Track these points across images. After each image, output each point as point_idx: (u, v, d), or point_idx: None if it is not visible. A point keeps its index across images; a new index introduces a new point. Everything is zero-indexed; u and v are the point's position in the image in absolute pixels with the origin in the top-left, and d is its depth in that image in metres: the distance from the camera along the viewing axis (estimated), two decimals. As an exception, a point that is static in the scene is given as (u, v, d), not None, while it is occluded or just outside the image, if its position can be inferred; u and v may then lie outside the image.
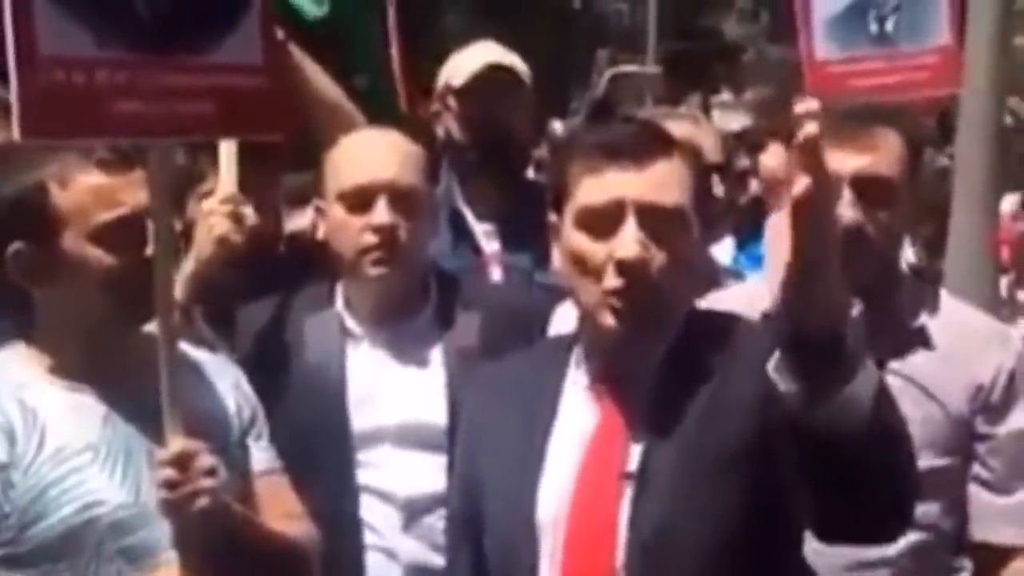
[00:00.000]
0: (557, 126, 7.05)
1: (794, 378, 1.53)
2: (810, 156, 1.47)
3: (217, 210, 2.44)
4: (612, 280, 1.73)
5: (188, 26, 1.85)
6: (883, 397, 1.57)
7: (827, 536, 1.69)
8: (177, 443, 1.87)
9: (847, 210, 2.14)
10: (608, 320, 1.74)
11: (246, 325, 2.50)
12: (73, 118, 1.78)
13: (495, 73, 2.97)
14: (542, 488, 1.77)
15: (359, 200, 2.38)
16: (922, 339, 2.22)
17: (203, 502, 1.87)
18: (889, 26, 2.84)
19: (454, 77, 3.03)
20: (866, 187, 2.16)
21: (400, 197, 2.37)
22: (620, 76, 7.23)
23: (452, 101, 3.03)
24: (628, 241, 1.72)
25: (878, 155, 2.17)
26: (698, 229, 1.79)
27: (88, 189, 1.95)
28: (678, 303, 1.79)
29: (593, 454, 1.77)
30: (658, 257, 1.73)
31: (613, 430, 1.77)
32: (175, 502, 1.87)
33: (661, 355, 1.78)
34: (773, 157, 3.61)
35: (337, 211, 2.40)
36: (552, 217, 1.82)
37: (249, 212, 2.49)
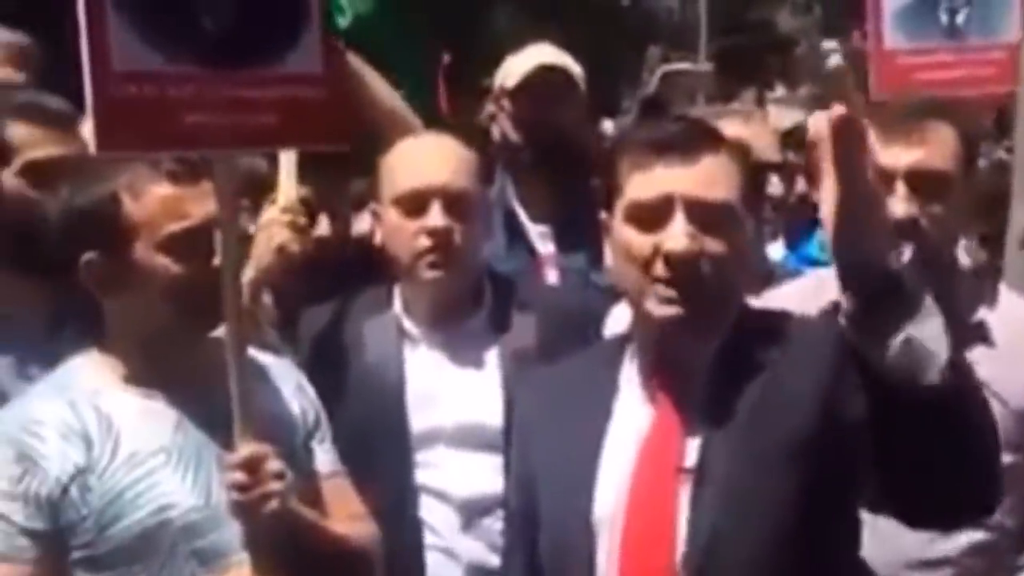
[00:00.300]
0: (608, 125, 7.05)
1: (857, 319, 1.54)
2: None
3: (276, 219, 2.50)
4: (660, 270, 1.75)
5: (252, 39, 1.92)
6: (955, 351, 1.58)
7: (912, 518, 1.69)
8: (247, 447, 1.93)
9: (901, 204, 2.17)
10: (657, 309, 1.76)
11: (307, 328, 2.56)
12: (145, 131, 1.85)
13: (547, 74, 3.01)
14: (599, 486, 1.79)
15: (413, 204, 2.42)
16: (981, 334, 2.23)
17: (272, 504, 1.92)
18: (960, 19, 2.83)
19: (507, 78, 3.08)
20: (920, 181, 2.18)
21: (454, 201, 2.41)
22: (671, 74, 7.22)
23: (506, 102, 3.07)
24: (677, 234, 1.75)
25: (932, 149, 2.19)
26: (749, 226, 1.81)
27: (158, 200, 2.01)
28: (728, 298, 1.81)
29: (649, 451, 1.79)
30: (707, 251, 1.76)
31: (669, 426, 1.79)
32: (245, 505, 1.92)
33: (714, 351, 1.80)
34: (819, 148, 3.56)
35: (392, 215, 2.45)
36: (603, 215, 1.85)
37: (321, 221, 2.54)
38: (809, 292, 2.29)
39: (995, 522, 2.15)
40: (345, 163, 2.64)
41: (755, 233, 1.87)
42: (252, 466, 1.92)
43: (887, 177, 2.19)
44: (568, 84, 3.04)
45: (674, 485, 1.75)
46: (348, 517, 2.16)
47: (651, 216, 1.77)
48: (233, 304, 1.97)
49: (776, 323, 1.83)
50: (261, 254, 2.49)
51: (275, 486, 1.92)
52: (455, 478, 2.40)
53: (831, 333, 1.71)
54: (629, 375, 1.85)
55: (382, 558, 2.19)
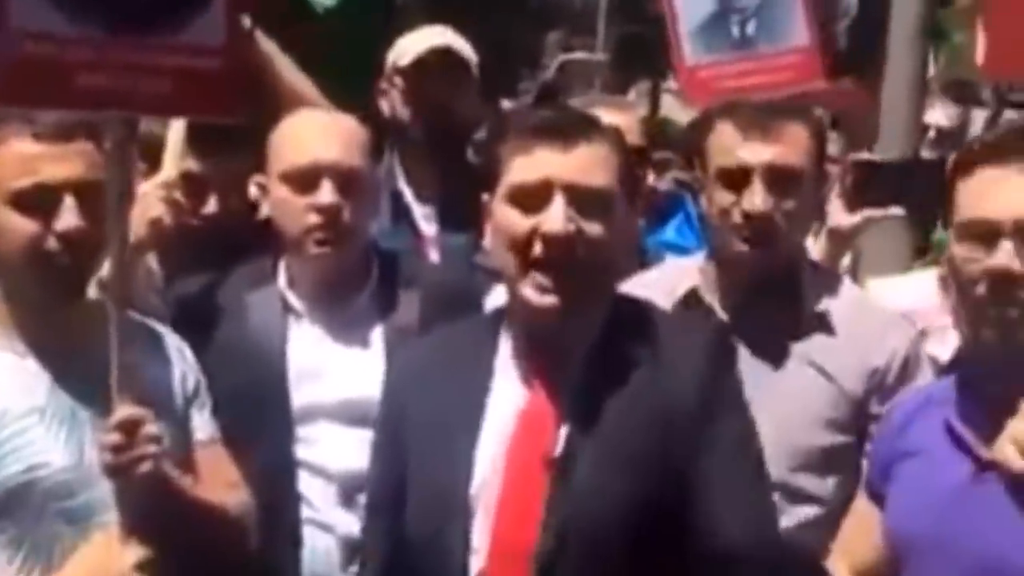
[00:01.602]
0: (507, 106, 7.11)
1: None
2: None
3: (151, 193, 2.50)
4: (538, 251, 1.81)
5: (155, 7, 1.94)
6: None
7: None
8: (124, 409, 1.95)
9: (758, 198, 2.29)
10: (533, 297, 1.83)
11: (183, 294, 2.56)
12: (37, 88, 1.87)
13: (440, 56, 3.05)
14: (477, 463, 1.84)
15: (303, 180, 2.44)
16: (823, 323, 2.36)
17: (146, 467, 1.95)
18: (750, 29, 3.05)
19: (400, 57, 3.11)
20: (775, 177, 2.31)
21: (344, 178, 2.44)
22: (569, 62, 7.33)
23: (398, 80, 3.10)
24: (555, 216, 1.81)
25: (787, 146, 2.32)
26: (624, 211, 1.89)
27: (13, 155, 2.02)
28: (603, 281, 1.88)
29: (521, 433, 1.84)
30: (584, 234, 1.82)
31: (541, 412, 1.85)
32: (119, 466, 1.95)
33: (588, 343, 1.86)
34: None
35: (281, 190, 2.47)
36: (485, 196, 1.91)
37: (210, 199, 2.52)
38: (666, 282, 2.42)
39: (824, 497, 2.30)
40: (242, 139, 2.66)
41: (629, 218, 1.94)
42: (128, 428, 1.95)
43: (744, 172, 2.31)
44: (459, 66, 3.08)
45: (542, 470, 1.81)
46: (223, 485, 2.20)
47: (531, 199, 1.83)
48: (118, 264, 1.99)
49: (650, 318, 1.91)
50: (136, 225, 2.47)
51: (149, 449, 1.95)
52: (334, 453, 2.44)
53: (704, 347, 1.83)
54: (504, 353, 1.91)
55: (255, 527, 2.23)
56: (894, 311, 2.50)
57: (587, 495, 1.78)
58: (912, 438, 1.96)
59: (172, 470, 2.05)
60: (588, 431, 1.81)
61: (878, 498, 2.02)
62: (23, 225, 2.01)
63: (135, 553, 1.97)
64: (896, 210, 2.82)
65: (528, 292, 1.83)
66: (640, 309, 1.94)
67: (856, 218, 2.78)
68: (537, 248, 1.82)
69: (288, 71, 2.86)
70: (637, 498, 1.78)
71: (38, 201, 2.01)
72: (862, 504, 2.08)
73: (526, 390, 1.87)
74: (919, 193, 2.86)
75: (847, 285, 2.51)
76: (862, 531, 2.05)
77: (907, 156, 3.84)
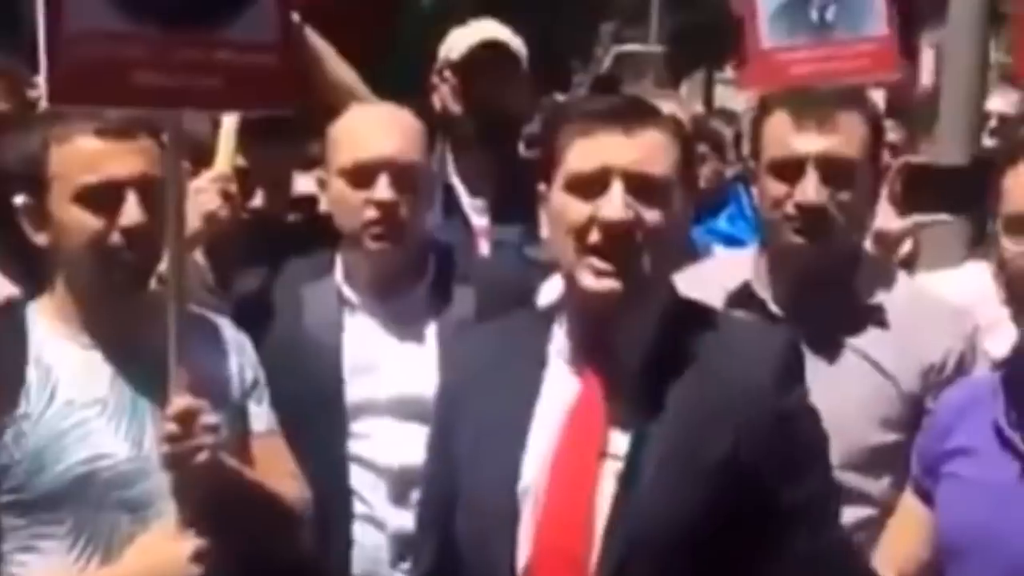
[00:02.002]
0: (560, 100, 7.10)
1: None
2: None
3: (205, 187, 2.53)
4: (595, 238, 1.79)
5: (206, 2, 1.96)
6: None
7: None
8: (181, 400, 1.99)
9: (811, 190, 2.26)
10: (591, 282, 1.80)
11: (243, 288, 2.59)
12: (94, 87, 1.91)
13: (490, 50, 3.06)
14: (526, 459, 1.82)
15: (361, 176, 2.46)
16: (878, 317, 2.33)
17: (203, 457, 1.98)
18: (829, 15, 3.01)
19: (451, 51, 3.12)
20: (830, 168, 2.28)
21: (401, 173, 2.45)
22: (623, 55, 7.30)
23: (448, 74, 3.11)
24: (613, 203, 1.79)
25: (841, 137, 2.29)
26: (682, 201, 1.86)
27: (78, 151, 2.05)
28: (660, 270, 1.85)
29: (573, 429, 1.82)
30: (642, 222, 1.80)
31: (594, 407, 1.82)
32: (177, 456, 1.98)
33: (647, 339, 1.83)
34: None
35: (339, 185, 2.49)
36: (541, 186, 1.90)
37: (257, 193, 2.54)
38: (719, 274, 2.40)
39: (880, 497, 2.26)
40: (287, 133, 2.68)
41: (687, 209, 1.89)
42: (186, 418, 1.98)
43: (798, 163, 2.28)
44: (510, 61, 3.09)
45: (595, 467, 1.79)
46: (280, 476, 2.22)
47: (589, 186, 1.81)
48: (177, 260, 2.02)
49: (710, 318, 1.89)
50: (191, 219, 2.49)
51: (207, 439, 1.98)
52: (387, 448, 2.45)
53: (779, 354, 1.81)
54: (558, 347, 1.88)
55: (310, 518, 2.25)
56: (950, 305, 2.46)
57: (654, 499, 1.76)
58: (960, 436, 1.93)
59: (230, 460, 2.08)
60: (652, 432, 1.78)
61: (925, 495, 2.00)
62: (88, 221, 2.05)
63: (193, 543, 2.00)
64: (944, 216, 2.78)
65: (585, 277, 1.81)
66: (698, 309, 1.92)
67: (904, 223, 2.74)
68: (594, 235, 1.80)
69: (336, 66, 2.88)
70: (705, 504, 1.75)
71: (103, 197, 2.05)
72: (909, 501, 2.05)
73: (578, 385, 1.86)
74: (977, 190, 2.82)
75: (903, 279, 2.47)
76: (909, 529, 2.03)
77: (965, 150, 3.79)
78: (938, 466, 1.96)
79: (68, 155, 2.04)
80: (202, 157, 2.59)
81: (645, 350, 1.84)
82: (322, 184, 2.58)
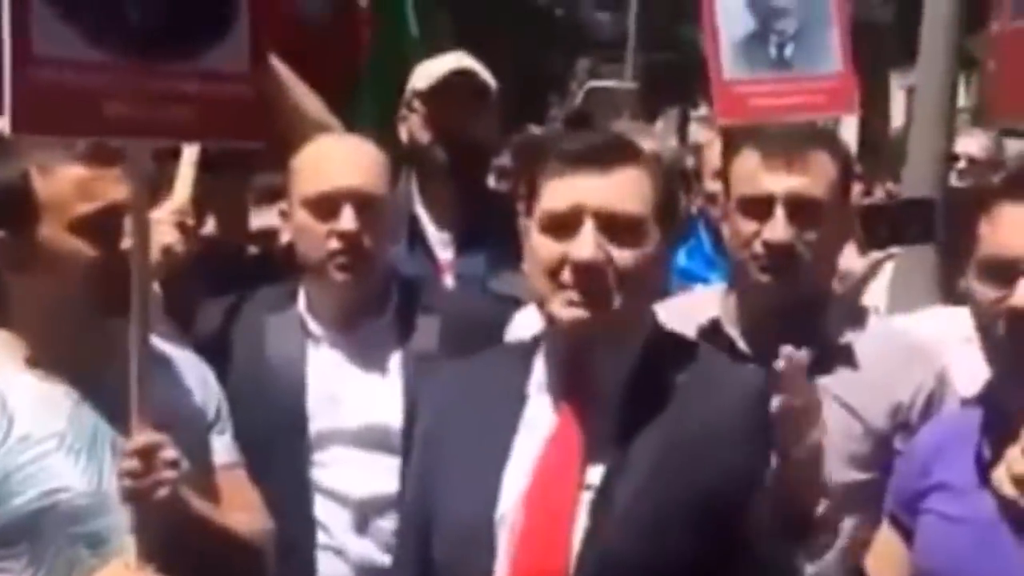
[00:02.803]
0: (536, 132, 7.12)
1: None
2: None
3: (164, 220, 2.52)
4: (567, 277, 1.81)
5: (178, 32, 1.95)
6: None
7: None
8: (143, 436, 1.96)
9: (779, 228, 2.27)
10: (562, 311, 1.81)
11: (206, 319, 2.58)
12: (61, 115, 1.88)
13: (459, 79, 3.06)
14: (503, 489, 1.82)
15: (324, 207, 2.45)
16: (847, 357, 2.33)
17: (163, 492, 1.95)
18: (788, 52, 3.07)
19: (419, 80, 3.12)
20: (798, 207, 2.28)
21: (365, 204, 2.45)
22: (597, 90, 7.32)
23: (417, 104, 3.11)
24: (584, 243, 1.80)
25: (810, 177, 2.30)
26: (660, 237, 1.86)
27: (70, 181, 2.03)
28: (634, 309, 1.85)
29: (549, 461, 1.82)
30: (615, 262, 1.81)
31: (570, 440, 1.83)
32: (137, 491, 1.95)
33: (625, 372, 1.84)
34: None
35: (302, 215, 2.48)
36: (523, 220, 1.91)
37: (208, 220, 2.52)
38: (689, 309, 2.40)
39: (850, 533, 2.23)
40: (243, 161, 2.66)
41: (665, 245, 1.89)
42: (146, 454, 1.95)
43: (766, 201, 2.29)
44: (479, 90, 3.09)
45: (572, 498, 1.79)
46: (243, 509, 2.20)
47: (562, 225, 1.82)
48: (141, 290, 2.00)
49: (687, 352, 1.90)
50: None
51: (167, 474, 1.96)
52: (351, 478, 2.44)
53: (758, 395, 1.83)
54: (538, 380, 1.89)
55: (274, 552, 2.23)
56: (920, 344, 2.47)
57: (627, 529, 1.76)
58: (940, 472, 1.93)
59: (190, 495, 2.05)
60: (628, 462, 1.79)
61: (905, 531, 2.00)
62: (84, 250, 2.02)
63: None
64: (895, 249, 2.80)
65: (558, 308, 1.82)
66: (682, 344, 1.93)
67: (864, 261, 2.76)
68: (566, 275, 1.81)
69: (303, 96, 2.88)
70: (677, 539, 1.76)
71: (100, 225, 2.02)
72: (886, 536, 2.05)
73: (557, 418, 1.86)
74: (951, 226, 2.86)
75: (873, 318, 2.47)
76: (887, 564, 2.02)
77: (933, 191, 3.84)
78: (917, 502, 1.96)
79: (60, 184, 2.01)
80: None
81: (624, 383, 1.84)
82: (284, 215, 2.57)
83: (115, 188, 2.03)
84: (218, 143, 2.36)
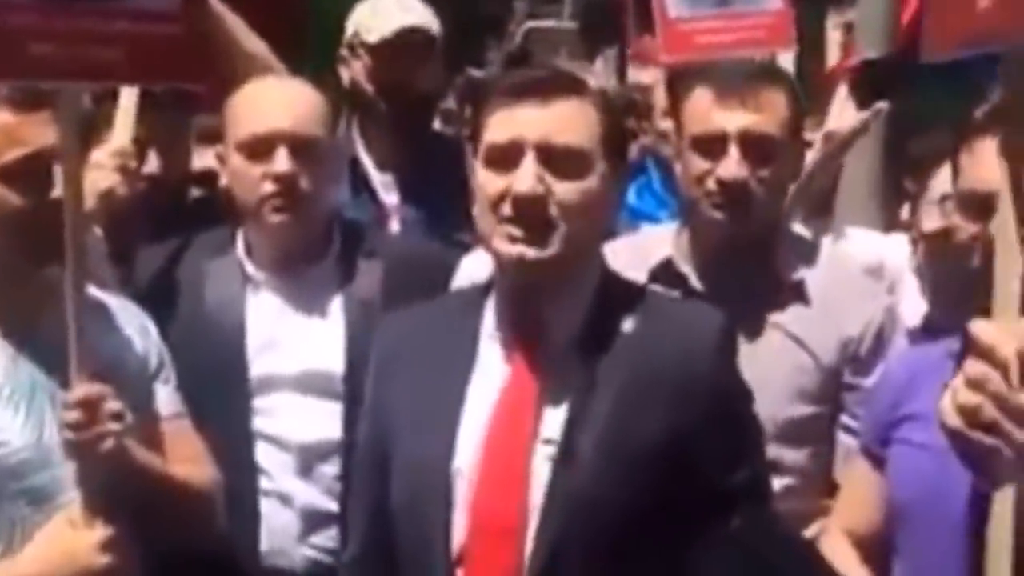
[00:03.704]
0: (476, 75, 7.04)
1: None
2: None
3: (104, 163, 2.46)
4: (506, 209, 1.78)
5: (104, -29, 1.88)
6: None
7: None
8: (84, 386, 1.91)
9: (732, 165, 2.27)
10: (504, 247, 1.78)
11: (144, 266, 2.53)
12: None
13: (409, 35, 3.01)
14: (459, 438, 1.81)
15: (259, 149, 2.40)
16: (798, 293, 2.35)
17: (108, 444, 1.91)
18: None
19: (368, 33, 3.06)
20: (751, 144, 2.28)
21: (300, 146, 2.40)
22: (536, 30, 7.25)
23: (363, 53, 3.06)
24: (524, 176, 1.77)
25: (764, 114, 2.29)
26: (604, 173, 1.82)
27: None
28: (579, 245, 1.81)
29: (504, 410, 1.81)
30: (555, 195, 1.78)
31: (523, 389, 1.81)
32: (80, 444, 1.91)
33: (578, 318, 1.82)
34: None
35: (237, 159, 2.43)
36: (471, 160, 1.87)
37: (151, 159, 2.49)
38: (640, 249, 2.39)
39: (800, 468, 2.29)
40: (185, 100, 2.60)
41: (612, 181, 1.85)
42: (88, 405, 1.91)
43: (720, 139, 2.29)
44: (427, 43, 3.05)
45: (528, 448, 1.78)
46: (188, 459, 2.16)
47: (504, 159, 1.79)
48: (75, 239, 1.94)
49: (645, 298, 1.88)
50: (89, 196, 2.41)
51: (111, 426, 1.92)
52: (293, 424, 2.42)
53: (715, 334, 1.81)
54: (489, 328, 1.87)
55: (222, 500, 2.20)
56: (869, 278, 2.49)
57: (589, 480, 1.75)
58: (911, 404, 1.95)
59: (134, 447, 2.01)
60: (586, 410, 1.77)
61: (876, 461, 2.02)
62: (11, 198, 1.96)
63: (100, 532, 1.93)
64: (881, 104, 2.83)
65: (501, 244, 1.79)
66: (630, 287, 1.91)
67: (851, 120, 2.80)
68: (507, 207, 1.78)
69: (241, 33, 2.80)
70: (641, 483, 1.75)
71: (28, 172, 1.96)
72: (860, 466, 2.07)
73: (509, 366, 1.83)
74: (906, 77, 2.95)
75: (825, 251, 2.49)
76: (860, 493, 2.05)
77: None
78: (888, 432, 1.98)
79: None
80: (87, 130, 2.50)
81: (576, 328, 1.82)
82: (220, 159, 2.52)
83: (42, 133, 1.97)
84: (148, 84, 2.31)
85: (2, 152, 1.96)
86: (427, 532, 1.80)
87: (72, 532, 1.94)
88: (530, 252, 1.77)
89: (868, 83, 2.87)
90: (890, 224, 3.43)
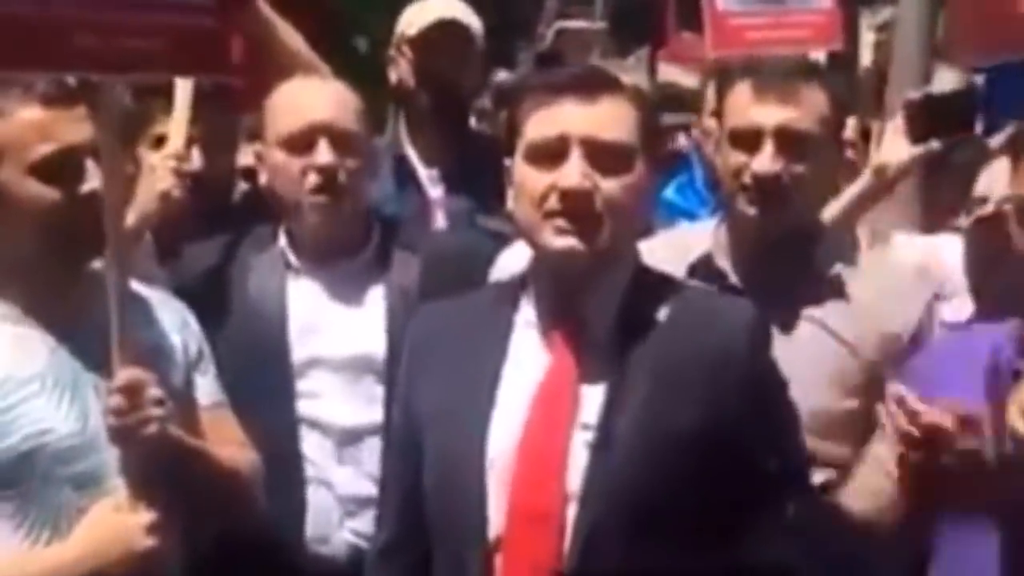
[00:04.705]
0: (503, 76, 7.06)
1: None
2: None
3: (162, 165, 2.51)
4: (554, 203, 1.79)
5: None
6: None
7: None
8: (126, 372, 1.93)
9: (766, 160, 2.27)
10: (553, 240, 1.79)
11: (192, 262, 2.56)
12: (26, 50, 1.82)
13: (446, 27, 3.10)
14: (493, 426, 1.81)
15: (300, 142, 2.44)
16: (837, 289, 2.33)
17: (151, 429, 1.93)
18: None
19: (409, 27, 3.16)
20: (787, 140, 2.28)
21: (339, 139, 2.44)
22: (566, 31, 7.25)
23: (406, 49, 3.15)
24: (571, 171, 1.78)
25: (801, 110, 2.29)
26: (644, 167, 1.84)
27: (28, 122, 1.98)
28: (622, 238, 1.84)
29: (544, 397, 1.81)
30: (601, 190, 1.79)
31: (565, 375, 1.82)
32: (124, 429, 1.92)
33: (614, 307, 1.83)
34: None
35: (278, 155, 2.47)
36: (507, 161, 1.87)
37: (195, 157, 2.56)
38: (679, 245, 2.39)
39: (838, 461, 2.26)
40: (230, 99, 2.64)
41: (650, 176, 1.88)
42: (131, 391, 1.92)
43: (756, 133, 2.28)
44: (465, 38, 3.13)
45: (567, 434, 1.78)
46: (229, 445, 2.17)
47: (548, 155, 1.80)
48: (115, 232, 1.95)
49: (674, 287, 1.89)
50: (146, 199, 2.51)
51: (154, 411, 1.93)
52: (334, 407, 2.44)
53: (748, 324, 1.81)
54: (526, 318, 1.87)
55: (261, 485, 2.22)
56: (911, 275, 2.47)
57: (628, 466, 1.75)
58: (940, 392, 1.92)
59: (177, 432, 2.02)
60: (623, 397, 1.78)
61: None
62: (45, 192, 1.97)
63: (145, 516, 1.95)
64: (935, 144, 2.73)
65: (549, 237, 1.79)
66: (663, 279, 1.92)
67: (904, 156, 2.72)
68: (553, 201, 1.79)
69: (290, 37, 2.86)
70: (679, 469, 1.75)
71: (60, 167, 1.97)
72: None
73: (548, 355, 1.83)
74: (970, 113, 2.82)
75: (864, 249, 2.48)
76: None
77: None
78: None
79: (18, 127, 1.96)
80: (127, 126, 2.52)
81: (614, 317, 1.83)
82: (260, 157, 2.55)
83: (75, 129, 1.98)
84: (186, 76, 2.33)
85: (35, 147, 1.97)
86: (463, 520, 1.80)
87: (117, 516, 1.95)
88: (580, 245, 1.78)
89: (926, 117, 2.74)
90: (930, 227, 3.38)
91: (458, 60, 3.11)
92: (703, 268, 2.35)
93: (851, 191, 2.72)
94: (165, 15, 1.92)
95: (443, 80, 3.08)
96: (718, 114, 2.45)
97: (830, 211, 2.58)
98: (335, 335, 2.47)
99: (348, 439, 2.43)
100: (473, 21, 3.16)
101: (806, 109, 2.29)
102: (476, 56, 3.18)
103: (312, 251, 2.51)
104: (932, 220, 3.41)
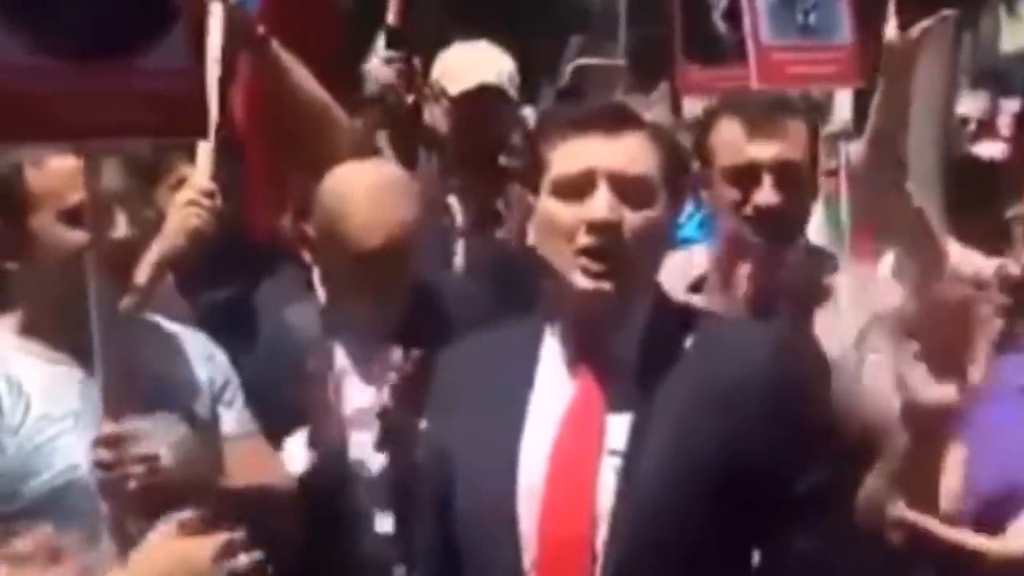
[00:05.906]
0: (528, 112, 7.08)
1: None
2: None
3: (194, 201, 2.54)
4: (583, 239, 1.79)
5: (118, 33, 1.94)
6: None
7: None
8: (111, 425, 1.95)
9: (769, 193, 2.37)
10: (581, 280, 1.80)
11: (216, 301, 2.63)
12: (11, 123, 1.87)
13: (487, 93, 3.21)
14: (523, 457, 1.82)
15: (375, 262, 2.41)
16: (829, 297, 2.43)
17: (131, 486, 1.94)
18: (812, 19, 3.08)
19: (450, 84, 3.25)
20: (782, 173, 2.37)
21: (405, 248, 2.43)
22: (584, 67, 7.28)
23: (445, 102, 3.27)
24: (600, 203, 1.79)
25: (790, 142, 2.39)
26: (667, 204, 1.87)
27: (60, 171, 2.06)
28: (647, 271, 1.87)
29: (571, 425, 1.82)
30: (627, 223, 1.81)
31: (592, 403, 1.82)
32: (107, 482, 1.95)
33: (637, 335, 1.84)
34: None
35: (349, 265, 2.43)
36: (529, 197, 1.89)
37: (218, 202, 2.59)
38: (678, 266, 2.45)
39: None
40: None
41: (672, 211, 1.91)
42: (115, 444, 1.94)
43: (753, 169, 2.36)
44: (506, 99, 3.23)
45: (596, 460, 1.80)
46: (259, 471, 2.21)
47: (575, 189, 1.81)
48: (98, 286, 1.97)
49: (695, 314, 1.93)
50: (175, 235, 2.52)
51: (135, 469, 1.93)
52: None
53: (770, 345, 1.85)
54: (551, 349, 1.88)
55: (300, 497, 2.26)
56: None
57: (655, 491, 1.77)
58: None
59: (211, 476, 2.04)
60: (650, 424, 1.79)
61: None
62: (77, 237, 2.04)
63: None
64: (947, 11, 2.77)
65: (578, 279, 1.80)
66: (688, 308, 1.96)
67: (913, 32, 2.77)
68: (583, 237, 1.79)
69: (304, 78, 2.88)
70: (706, 494, 1.76)
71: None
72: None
73: (574, 384, 1.84)
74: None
75: (847, 263, 2.59)
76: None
77: (935, 152, 3.82)
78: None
79: (51, 176, 2.04)
80: (149, 172, 2.59)
81: (638, 346, 1.85)
82: (303, 239, 2.55)
83: (108, 177, 2.04)
84: (168, 142, 2.38)
85: (67, 195, 2.04)
86: (497, 549, 1.81)
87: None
88: (607, 286, 1.79)
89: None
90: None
91: (496, 121, 3.22)
92: (700, 291, 2.45)
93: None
94: (148, 82, 1.94)
95: (483, 142, 3.20)
96: (700, 148, 2.49)
97: None
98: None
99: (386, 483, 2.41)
100: (514, 78, 3.23)
101: (793, 141, 2.39)
102: (512, 109, 3.31)
103: (359, 343, 2.48)
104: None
